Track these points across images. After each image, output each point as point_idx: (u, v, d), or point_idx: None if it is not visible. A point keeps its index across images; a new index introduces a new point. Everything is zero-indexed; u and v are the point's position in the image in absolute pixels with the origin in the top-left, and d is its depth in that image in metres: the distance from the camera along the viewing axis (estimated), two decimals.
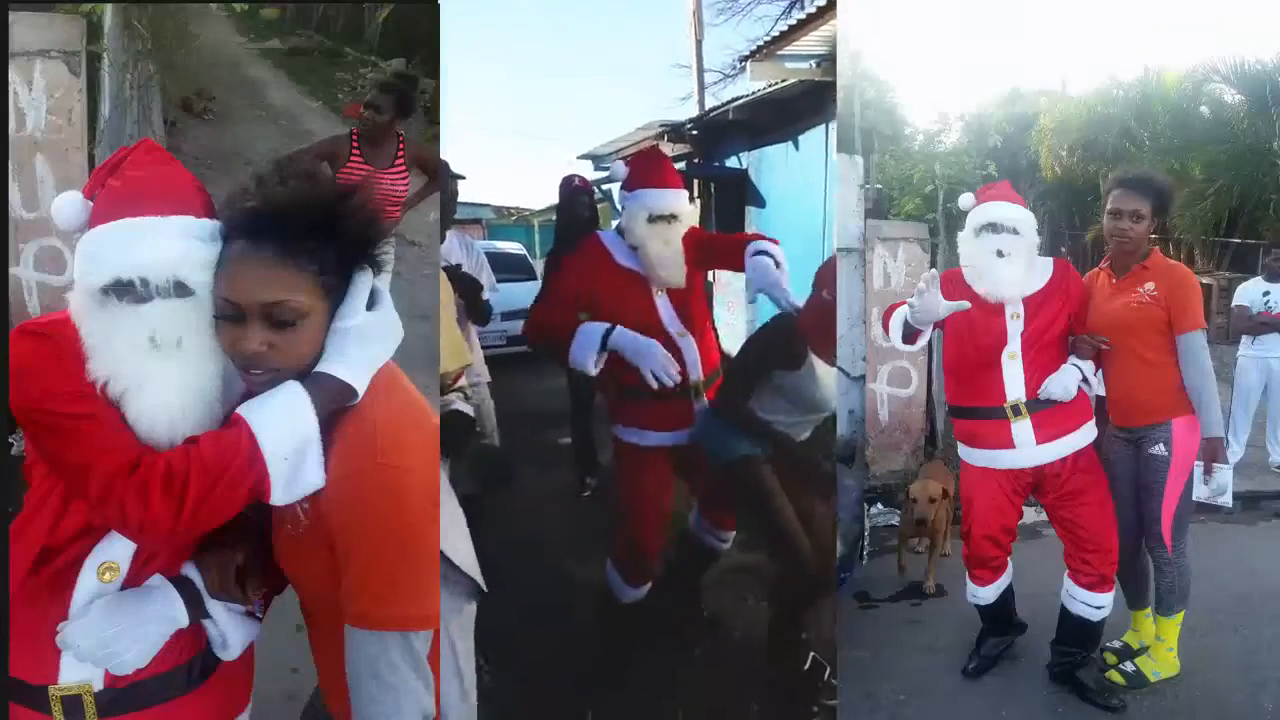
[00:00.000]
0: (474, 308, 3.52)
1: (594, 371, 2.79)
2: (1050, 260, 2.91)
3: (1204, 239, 9.54)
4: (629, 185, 3.04)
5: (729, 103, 7.01)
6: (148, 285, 1.30)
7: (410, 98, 4.08)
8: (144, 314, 1.30)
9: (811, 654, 2.92)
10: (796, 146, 6.50)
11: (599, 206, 4.72)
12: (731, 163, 7.59)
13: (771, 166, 6.94)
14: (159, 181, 1.38)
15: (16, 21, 3.67)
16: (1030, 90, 12.14)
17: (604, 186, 6.94)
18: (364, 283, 1.38)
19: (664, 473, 3.02)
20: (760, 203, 7.07)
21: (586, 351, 2.77)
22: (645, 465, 3.01)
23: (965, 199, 2.95)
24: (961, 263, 2.88)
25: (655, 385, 2.69)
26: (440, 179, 3.89)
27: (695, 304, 3.08)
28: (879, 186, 8.88)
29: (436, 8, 2.96)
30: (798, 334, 2.73)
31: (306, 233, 1.31)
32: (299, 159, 3.92)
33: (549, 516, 4.24)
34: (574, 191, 4.37)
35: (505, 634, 2.82)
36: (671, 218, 2.97)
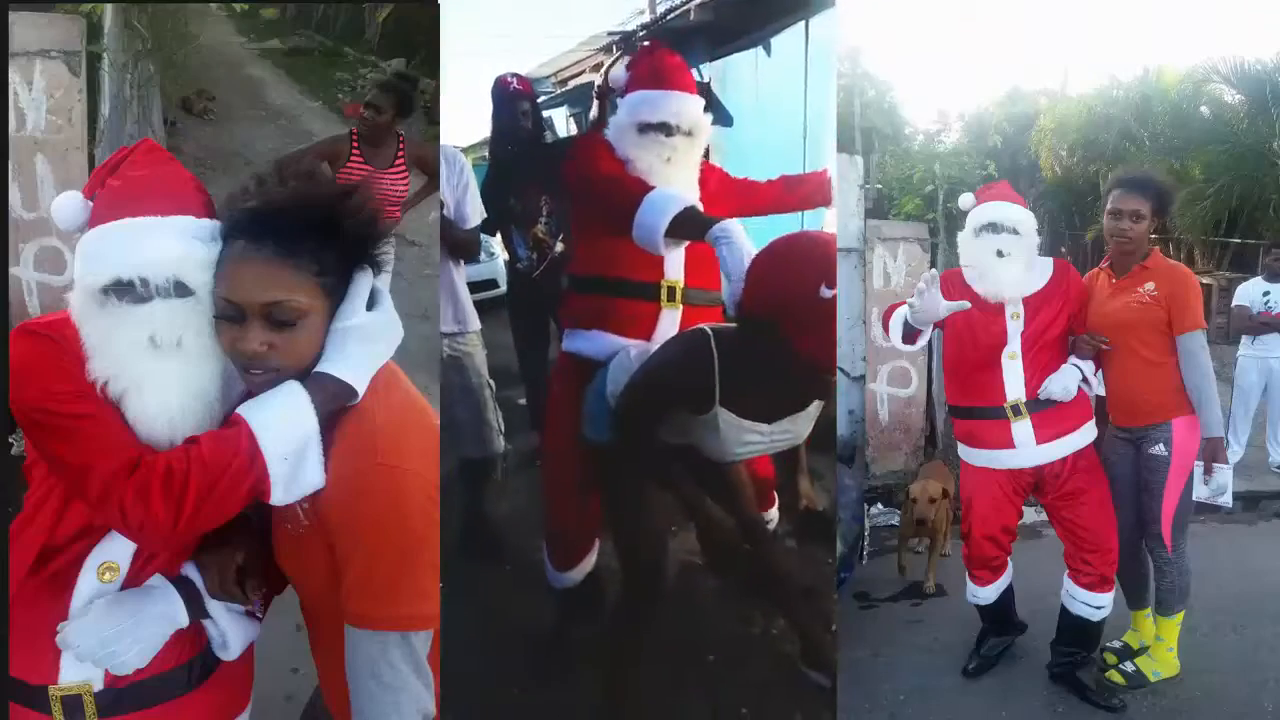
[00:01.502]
0: (453, 239, 3.01)
1: (662, 252, 2.37)
2: (1050, 260, 2.91)
3: (1204, 239, 9.55)
4: (625, 89, 2.60)
5: (685, 3, 6.02)
6: (148, 285, 1.30)
7: (410, 98, 4.08)
8: (144, 314, 1.29)
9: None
10: (768, 51, 5.47)
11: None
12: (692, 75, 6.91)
13: (738, 78, 5.86)
14: (159, 181, 1.38)
15: (16, 21, 3.67)
16: (1030, 90, 12.20)
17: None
18: (364, 283, 1.38)
19: None
20: (726, 120, 5.71)
21: (657, 220, 2.31)
22: (578, 382, 2.48)
23: (965, 199, 2.95)
24: (961, 263, 2.88)
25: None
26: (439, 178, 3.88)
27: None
28: (879, 186, 8.90)
29: (436, 8, 2.93)
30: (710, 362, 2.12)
31: (306, 233, 1.31)
32: (299, 159, 3.93)
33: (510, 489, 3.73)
34: (510, 97, 3.59)
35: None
36: (666, 128, 2.46)
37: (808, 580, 2.65)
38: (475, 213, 3.10)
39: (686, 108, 2.53)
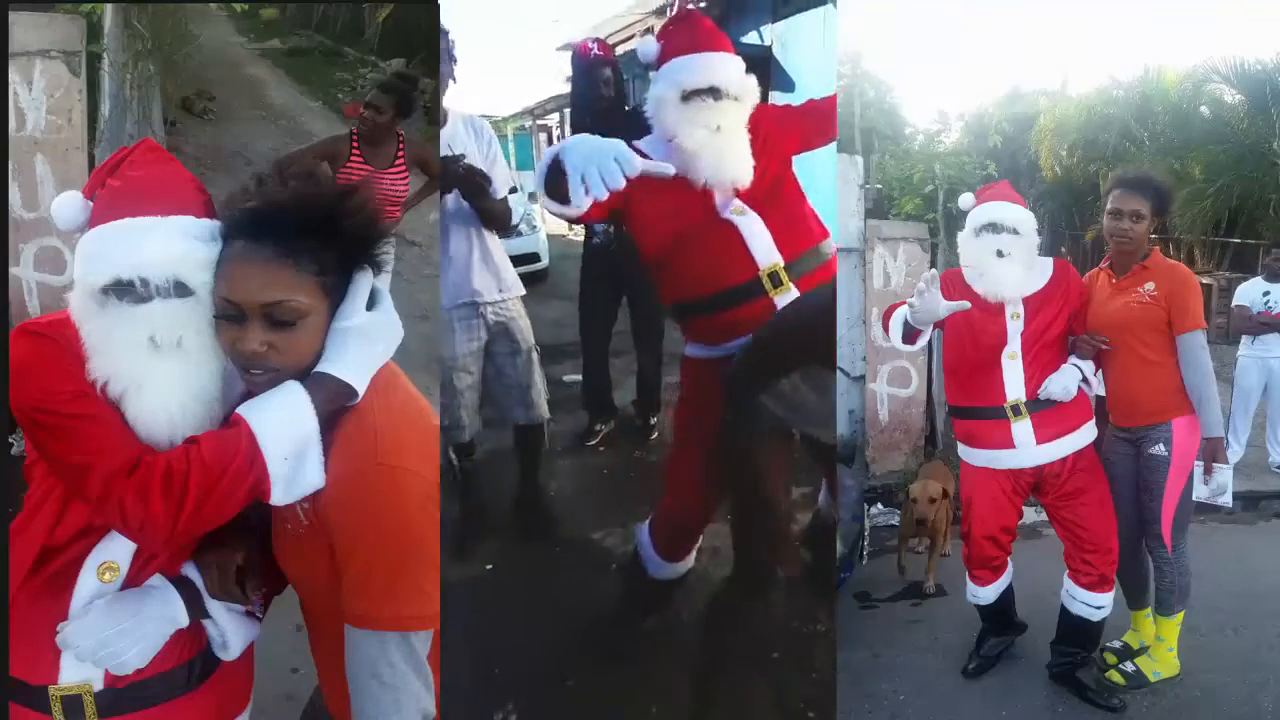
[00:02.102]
0: (485, 210, 2.91)
1: (577, 213, 2.17)
2: (1050, 260, 2.91)
3: (1204, 239, 9.56)
4: (658, 62, 2.44)
5: None
6: (148, 285, 1.30)
7: (410, 98, 4.07)
8: (144, 314, 1.29)
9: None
10: (835, 3, 4.93)
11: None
12: (751, 39, 5.88)
13: (801, 40, 5.33)
14: (159, 181, 1.38)
15: (16, 21, 3.67)
16: (1030, 90, 12.19)
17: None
18: (364, 283, 1.38)
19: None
20: (789, 86, 5.47)
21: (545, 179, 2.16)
22: (709, 381, 2.33)
23: (965, 199, 2.95)
24: (961, 263, 2.89)
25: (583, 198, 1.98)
26: (440, 178, 3.88)
27: (776, 187, 2.41)
28: (879, 186, 8.90)
29: (436, 8, 2.92)
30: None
31: (307, 233, 1.31)
32: (299, 159, 3.94)
33: (554, 472, 3.79)
34: (593, 64, 3.47)
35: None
36: (715, 93, 2.31)
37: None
38: (504, 184, 3.00)
39: (733, 69, 2.37)
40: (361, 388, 1.34)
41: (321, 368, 1.33)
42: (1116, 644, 3.11)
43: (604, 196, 1.96)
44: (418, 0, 8.66)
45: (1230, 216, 9.28)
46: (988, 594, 3.01)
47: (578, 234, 4.93)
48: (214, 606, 1.41)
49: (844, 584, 3.72)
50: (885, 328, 2.87)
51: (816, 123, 2.51)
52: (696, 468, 2.38)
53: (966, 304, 2.59)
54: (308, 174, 1.41)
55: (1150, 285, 2.76)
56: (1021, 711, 2.88)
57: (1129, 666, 2.95)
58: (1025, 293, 2.78)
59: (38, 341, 1.30)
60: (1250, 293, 5.36)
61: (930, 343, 3.36)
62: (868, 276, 4.76)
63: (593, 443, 3.91)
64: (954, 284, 2.80)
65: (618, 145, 2.00)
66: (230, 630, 1.43)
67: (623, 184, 1.95)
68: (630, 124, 3.80)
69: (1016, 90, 12.30)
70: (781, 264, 2.34)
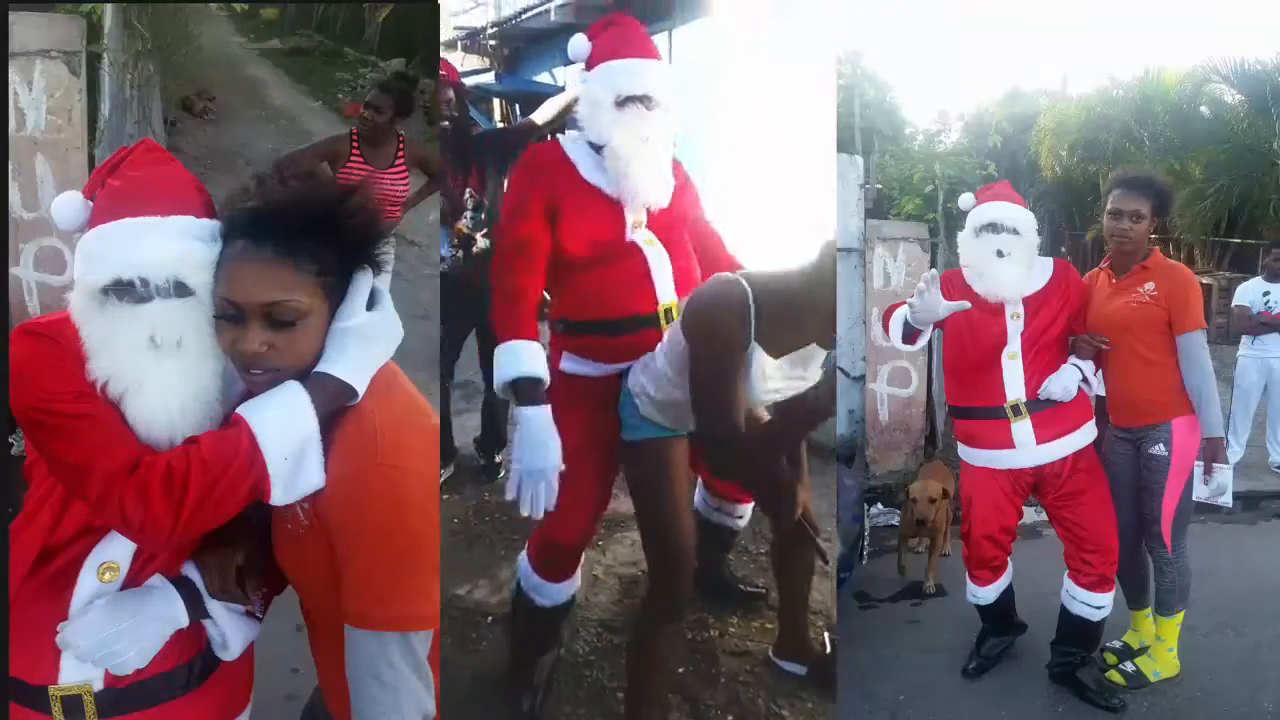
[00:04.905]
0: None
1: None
2: (1050, 260, 2.91)
3: (1204, 239, 9.56)
4: (590, 63, 2.37)
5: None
6: (148, 285, 1.29)
7: (410, 98, 4.08)
8: (144, 314, 1.29)
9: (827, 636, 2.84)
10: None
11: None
12: (545, 80, 5.81)
13: None
14: (159, 181, 1.38)
15: (16, 21, 3.67)
16: (1030, 90, 12.20)
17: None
18: (364, 283, 1.38)
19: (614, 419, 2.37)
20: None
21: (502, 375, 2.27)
22: (591, 402, 2.37)
23: (965, 199, 2.95)
24: (961, 263, 2.89)
25: (524, 512, 2.21)
26: (440, 178, 3.88)
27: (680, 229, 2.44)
28: (879, 186, 8.89)
29: (436, 8, 2.93)
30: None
31: (306, 233, 1.31)
32: (299, 159, 3.94)
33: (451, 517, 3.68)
34: (442, 86, 3.56)
35: None
36: (647, 101, 2.26)
37: (801, 568, 2.67)
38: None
39: (665, 78, 2.34)
40: (361, 388, 1.34)
41: (321, 368, 1.33)
42: (1116, 644, 3.11)
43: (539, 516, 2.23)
44: (418, 0, 8.66)
45: (1230, 216, 9.28)
46: (988, 594, 3.01)
47: None
48: (214, 606, 1.41)
49: (844, 584, 3.71)
50: (885, 328, 2.87)
51: (698, 247, 2.55)
52: (573, 485, 2.31)
53: (966, 304, 2.59)
54: (308, 174, 1.41)
55: (1150, 285, 2.75)
56: (1021, 711, 2.87)
57: (1129, 666, 2.95)
58: (1025, 293, 2.78)
59: (38, 341, 1.30)
60: (1250, 293, 5.35)
61: (930, 343, 3.36)
62: (868, 276, 4.75)
63: (503, 475, 3.80)
64: (954, 284, 2.80)
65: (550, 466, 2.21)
66: (230, 630, 1.43)
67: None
68: (481, 146, 3.74)
69: (1016, 90, 12.33)
70: (677, 301, 2.37)
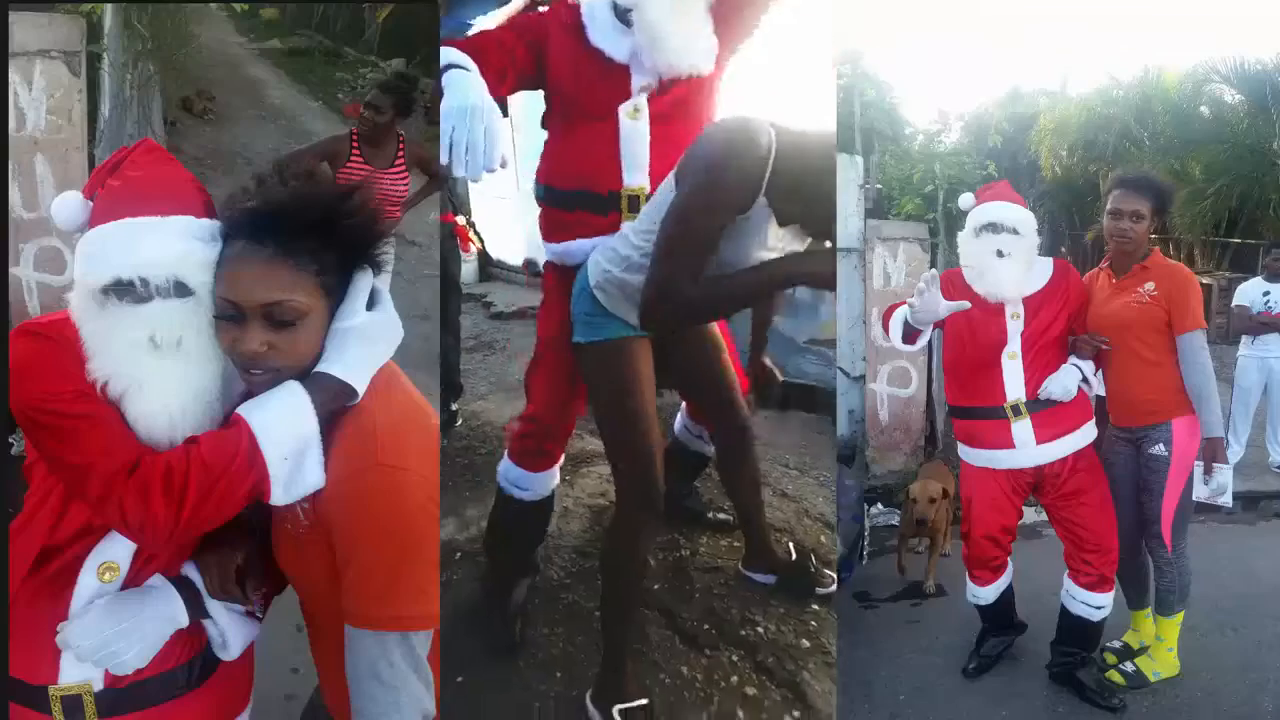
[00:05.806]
0: None
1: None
2: (1050, 260, 2.91)
3: (1204, 239, 9.56)
4: None
5: None
6: (148, 285, 1.29)
7: (410, 98, 4.07)
8: (144, 314, 1.29)
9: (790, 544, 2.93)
10: None
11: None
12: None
13: None
14: (159, 181, 1.38)
15: (16, 21, 3.67)
16: (1030, 90, 12.18)
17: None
18: (364, 283, 1.38)
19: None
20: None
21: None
22: (567, 291, 2.26)
23: (965, 199, 2.95)
24: (961, 263, 2.88)
25: (458, 171, 1.92)
26: (440, 178, 3.88)
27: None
28: (879, 186, 8.89)
29: (436, 8, 2.93)
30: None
31: (306, 232, 1.31)
32: (299, 159, 3.94)
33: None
34: None
35: None
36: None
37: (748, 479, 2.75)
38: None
39: None
40: (361, 388, 1.34)
41: (321, 368, 1.33)
42: (1116, 644, 3.11)
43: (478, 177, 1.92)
44: (418, 0, 8.66)
45: (1230, 216, 9.28)
46: (988, 594, 3.01)
47: None
48: (214, 606, 1.41)
49: (844, 584, 3.72)
50: (885, 328, 2.87)
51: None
52: (556, 371, 2.37)
53: (966, 304, 2.58)
54: (308, 174, 1.41)
55: (1150, 285, 2.76)
56: (1021, 711, 2.87)
57: (1129, 666, 2.95)
58: (1025, 293, 2.78)
59: (38, 342, 1.30)
60: (1250, 293, 5.35)
61: (930, 343, 3.36)
62: (868, 276, 4.75)
63: (460, 424, 3.86)
64: (954, 284, 2.80)
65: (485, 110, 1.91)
66: (230, 630, 1.43)
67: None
68: None
69: (1016, 90, 12.30)
70: (647, 190, 2.20)
